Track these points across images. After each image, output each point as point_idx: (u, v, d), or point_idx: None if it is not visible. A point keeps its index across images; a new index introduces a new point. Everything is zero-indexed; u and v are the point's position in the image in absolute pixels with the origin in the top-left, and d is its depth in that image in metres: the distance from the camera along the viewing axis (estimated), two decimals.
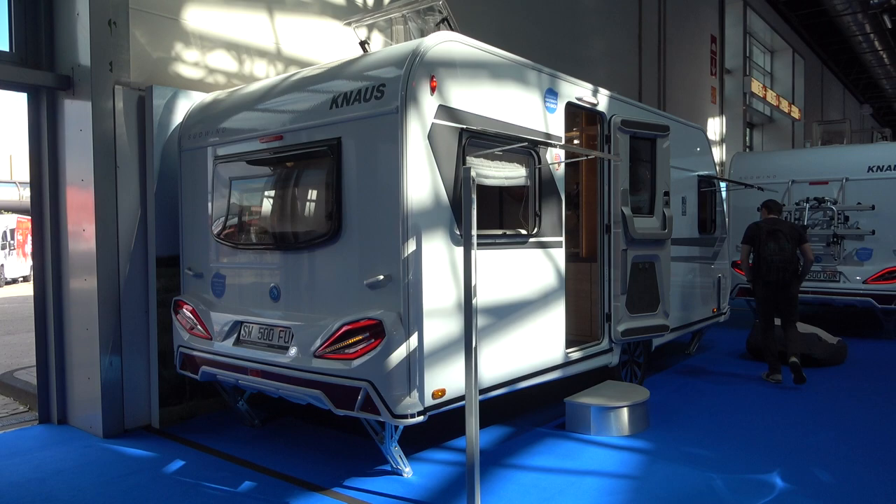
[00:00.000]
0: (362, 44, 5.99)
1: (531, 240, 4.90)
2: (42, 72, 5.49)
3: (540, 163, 4.94)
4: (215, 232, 5.08)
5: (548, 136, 5.08)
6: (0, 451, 5.02)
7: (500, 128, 4.54)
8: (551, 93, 5.14)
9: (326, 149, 4.24)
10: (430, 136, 3.99)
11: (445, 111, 4.10)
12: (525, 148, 4.75)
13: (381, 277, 3.95)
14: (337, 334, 4.06)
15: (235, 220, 5.01)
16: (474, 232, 3.52)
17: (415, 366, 3.91)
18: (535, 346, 4.95)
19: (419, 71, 3.92)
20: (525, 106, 4.87)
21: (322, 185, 4.38)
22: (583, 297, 6.05)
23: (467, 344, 3.34)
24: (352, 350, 4.00)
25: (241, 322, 4.80)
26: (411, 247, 3.89)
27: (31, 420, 5.87)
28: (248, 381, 4.64)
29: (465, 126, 4.22)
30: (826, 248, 9.42)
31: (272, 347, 4.52)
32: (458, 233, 4.19)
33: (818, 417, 5.71)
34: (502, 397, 4.77)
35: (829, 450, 4.86)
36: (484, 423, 5.38)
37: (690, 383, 6.91)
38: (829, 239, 9.32)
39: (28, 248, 24.23)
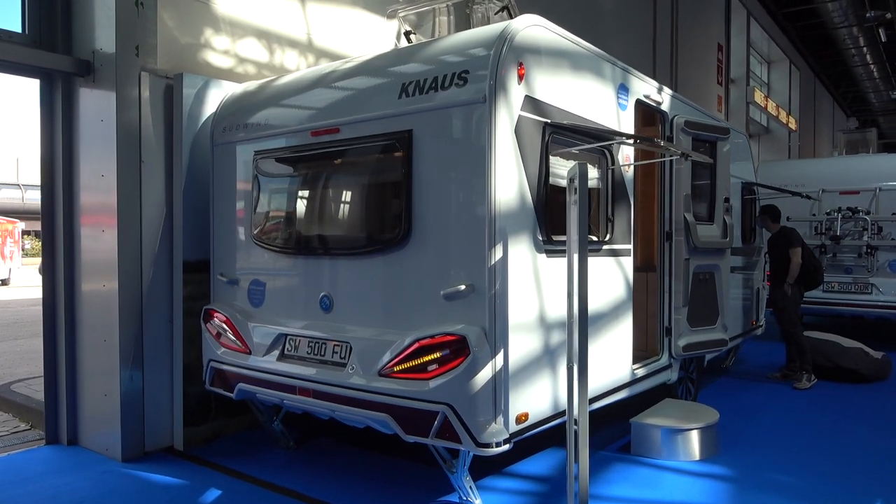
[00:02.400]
0: (407, 34, 5.56)
1: (604, 247, 4.50)
2: (58, 55, 4.97)
3: (613, 163, 4.55)
4: (255, 234, 4.59)
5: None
6: (10, 478, 4.48)
7: (580, 123, 4.14)
8: (623, 88, 4.76)
9: (394, 143, 3.80)
10: (516, 130, 3.57)
11: (531, 103, 3.69)
12: (602, 147, 4.36)
13: (463, 287, 3.50)
14: (408, 351, 3.61)
15: (279, 221, 4.53)
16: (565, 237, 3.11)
17: (500, 387, 3.48)
18: (607, 364, 4.54)
19: (508, 56, 3.50)
20: (601, 101, 4.48)
21: (388, 183, 3.94)
22: (639, 310, 5.64)
23: (581, 363, 2.92)
24: (427, 369, 3.54)
25: (286, 335, 4.32)
26: (498, 254, 3.46)
27: (37, 440, 5.32)
28: (296, 401, 4.16)
29: (549, 120, 3.81)
30: (858, 259, 9.17)
31: (325, 364, 4.05)
32: (540, 238, 3.78)
33: (891, 440, 5.37)
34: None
35: None
36: (542, 446, 4.97)
37: (743, 401, 6.54)
38: (862, 250, 9.07)
39: (7, 250, 23.33)
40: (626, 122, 4.79)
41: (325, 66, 4.55)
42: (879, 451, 5.08)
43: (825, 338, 7.61)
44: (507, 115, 3.50)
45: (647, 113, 5.27)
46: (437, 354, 3.50)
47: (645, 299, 5.71)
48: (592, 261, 4.40)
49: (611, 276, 4.59)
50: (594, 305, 4.41)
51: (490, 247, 3.44)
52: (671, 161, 5.31)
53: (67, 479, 4.47)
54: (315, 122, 4.22)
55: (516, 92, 3.57)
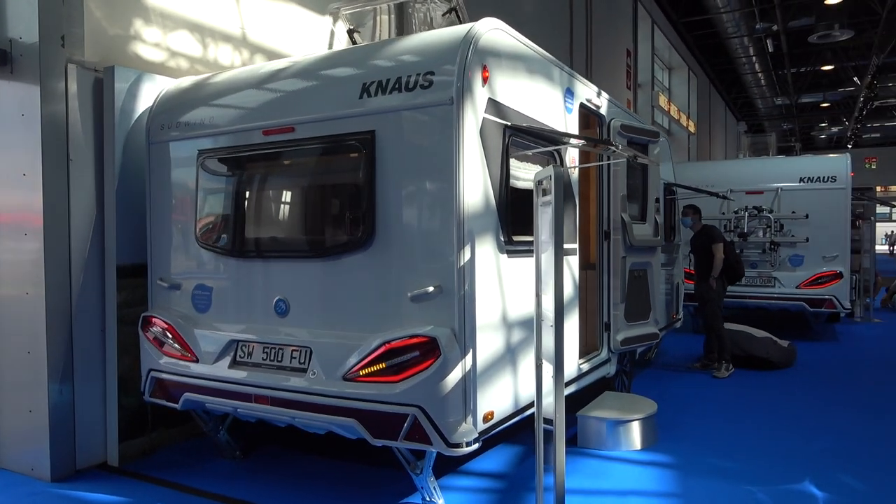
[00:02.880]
0: (350, 33, 5.50)
1: None
2: None
3: (562, 166, 4.67)
4: (200, 238, 4.39)
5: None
6: None
7: (536, 126, 4.23)
8: (569, 92, 4.90)
9: (356, 143, 3.74)
10: (481, 132, 3.61)
11: (493, 105, 3.73)
12: (552, 149, 4.47)
13: (431, 289, 3.50)
14: (375, 354, 3.57)
15: (228, 224, 4.35)
16: (536, 236, 3.19)
17: (470, 387, 3.50)
18: None
19: (474, 59, 3.53)
20: (552, 104, 4.59)
21: (348, 184, 3.87)
22: (580, 306, 5.83)
23: (558, 361, 2.99)
24: (396, 372, 3.52)
25: (237, 341, 4.17)
26: (466, 255, 3.49)
27: None
28: (251, 409, 4.02)
29: (508, 123, 3.87)
30: (762, 254, 9.85)
31: (283, 370, 3.94)
32: (502, 239, 3.83)
33: (808, 421, 5.81)
34: None
35: (841, 454, 4.91)
36: (492, 443, 5.04)
37: (670, 391, 6.88)
38: (766, 246, 9.75)
39: None
40: (571, 124, 4.94)
41: (277, 62, 4.41)
42: (801, 432, 5.49)
43: (738, 329, 8.14)
44: (473, 117, 3.53)
45: (586, 116, 5.44)
46: (407, 357, 3.48)
47: (584, 296, 5.90)
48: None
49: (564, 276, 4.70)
50: (549, 303, 4.52)
51: (459, 248, 3.46)
52: (609, 163, 5.51)
53: None
54: (267, 121, 4.08)
55: (481, 94, 3.61)
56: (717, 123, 31.63)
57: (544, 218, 3.27)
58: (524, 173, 4.22)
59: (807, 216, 9.49)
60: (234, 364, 4.13)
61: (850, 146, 39.25)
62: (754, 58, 25.54)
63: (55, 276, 4.50)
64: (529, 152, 4.23)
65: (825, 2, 19.52)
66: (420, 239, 3.60)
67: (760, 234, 9.87)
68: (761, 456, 4.87)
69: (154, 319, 4.51)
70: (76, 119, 4.61)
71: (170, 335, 4.40)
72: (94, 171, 4.72)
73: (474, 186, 3.55)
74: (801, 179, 9.78)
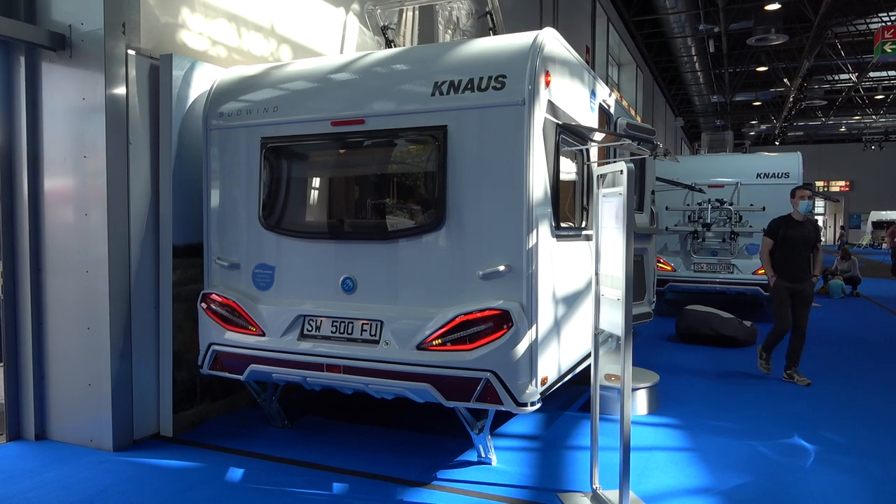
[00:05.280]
0: (384, 29, 5.84)
1: (582, 233, 5.13)
2: (26, 25, 4.66)
3: (588, 160, 5.19)
4: (264, 220, 4.68)
5: None
6: None
7: (577, 124, 4.72)
8: (593, 93, 5.42)
9: (428, 137, 4.14)
10: (543, 130, 4.07)
11: (551, 106, 4.20)
12: (582, 146, 4.97)
13: (502, 268, 3.96)
14: (450, 325, 4.00)
15: (292, 207, 4.66)
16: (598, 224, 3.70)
17: (535, 355, 3.99)
18: (584, 333, 5.20)
19: (541, 65, 3.99)
20: (581, 105, 5.09)
21: (419, 173, 4.26)
22: None
23: (626, 332, 3.50)
24: (469, 340, 3.96)
25: (304, 315, 4.50)
26: (533, 238, 3.96)
27: None
28: (322, 377, 4.38)
29: (560, 122, 4.35)
30: (722, 243, 10.73)
31: (354, 341, 4.31)
32: (553, 225, 4.31)
33: (780, 390, 6.58)
34: None
35: (816, 415, 5.67)
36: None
37: (654, 368, 7.55)
38: (727, 236, 10.63)
39: None
40: (593, 123, 5.46)
41: (344, 57, 4.72)
42: (778, 398, 6.23)
43: (708, 311, 8.93)
44: (539, 116, 3.99)
45: (601, 115, 5.97)
46: (481, 328, 3.93)
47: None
48: (578, 244, 5.04)
49: (587, 258, 5.24)
50: (577, 283, 5.05)
51: (528, 232, 3.93)
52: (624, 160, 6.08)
53: (62, 472, 4.32)
54: (337, 113, 4.41)
55: (543, 96, 4.07)
56: (659, 119, 33.05)
57: (606, 207, 3.77)
58: (565, 166, 4.71)
59: (763, 208, 10.39)
60: (303, 337, 4.47)
61: (777, 143, 41.71)
62: (695, 57, 26.92)
63: (117, 254, 4.71)
64: (571, 148, 4.72)
65: (764, 7, 20.83)
66: (490, 223, 4.04)
67: (724, 224, 10.73)
68: (752, 417, 5.57)
69: (214, 296, 4.78)
70: (135, 104, 4.81)
71: (235, 311, 4.68)
72: (150, 154, 4.93)
73: (538, 178, 4.02)
74: (759, 175, 10.69)
